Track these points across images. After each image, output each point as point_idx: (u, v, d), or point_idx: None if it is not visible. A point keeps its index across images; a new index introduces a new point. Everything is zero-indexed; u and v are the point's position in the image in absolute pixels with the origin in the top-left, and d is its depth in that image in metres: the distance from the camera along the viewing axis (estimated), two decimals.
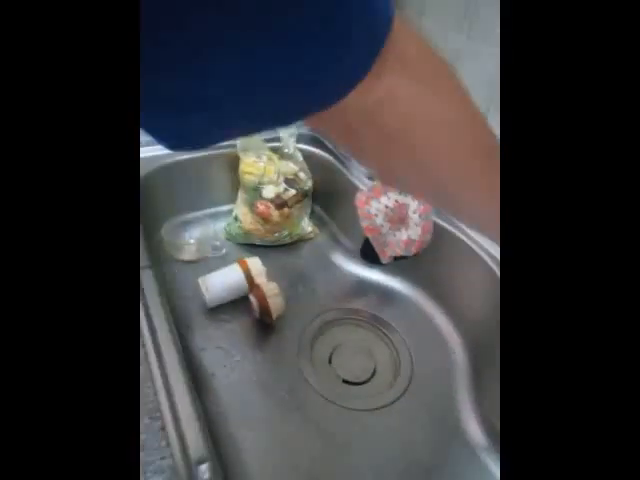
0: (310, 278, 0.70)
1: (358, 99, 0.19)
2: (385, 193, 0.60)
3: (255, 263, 0.62)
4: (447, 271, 0.62)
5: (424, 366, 0.59)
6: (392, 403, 0.55)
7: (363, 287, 0.69)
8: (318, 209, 0.77)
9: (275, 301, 0.57)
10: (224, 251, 0.69)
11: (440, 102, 0.21)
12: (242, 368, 0.55)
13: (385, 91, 0.19)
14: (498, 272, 0.54)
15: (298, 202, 0.68)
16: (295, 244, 0.73)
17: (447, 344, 0.61)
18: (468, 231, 0.58)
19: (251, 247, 0.70)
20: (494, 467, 0.49)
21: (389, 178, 0.27)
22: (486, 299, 0.56)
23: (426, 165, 0.22)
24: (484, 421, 0.52)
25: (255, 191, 0.66)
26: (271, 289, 0.57)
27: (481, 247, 0.56)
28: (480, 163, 0.23)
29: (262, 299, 0.57)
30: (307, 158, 0.70)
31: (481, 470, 0.49)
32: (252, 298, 0.58)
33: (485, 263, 0.55)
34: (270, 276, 0.63)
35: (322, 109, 0.19)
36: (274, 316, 0.58)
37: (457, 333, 0.61)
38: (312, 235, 0.73)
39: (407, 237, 0.59)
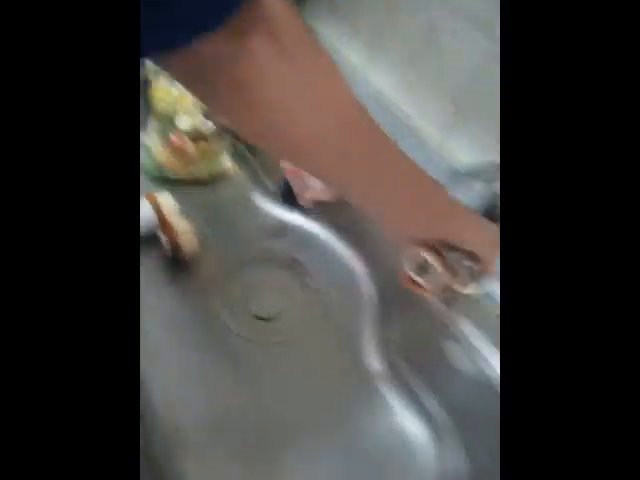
0: (228, 218, 0.68)
1: (214, 48, 0.20)
2: None
3: (166, 199, 0.58)
4: (366, 219, 0.63)
5: (336, 307, 0.62)
6: (302, 337, 0.58)
7: (282, 229, 0.69)
8: (239, 145, 0.73)
9: (187, 242, 0.55)
10: None
11: (299, 66, 0.22)
12: (154, 308, 0.54)
13: (242, 45, 0.20)
14: None
15: (217, 136, 0.63)
16: (213, 181, 0.69)
17: (360, 288, 0.64)
18: None
19: (164, 181, 0.66)
20: (391, 398, 0.54)
21: (244, 132, 0.27)
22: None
23: (279, 123, 0.23)
24: (385, 357, 0.57)
25: (169, 121, 0.60)
26: (183, 231, 0.55)
27: None
28: (338, 128, 0.24)
29: (172, 239, 0.54)
30: None
31: (379, 401, 0.54)
32: (162, 236, 0.55)
33: None
34: (184, 214, 0.60)
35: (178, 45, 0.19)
36: (187, 255, 0.56)
37: (371, 278, 0.64)
38: (231, 172, 0.70)
39: None
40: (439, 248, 0.30)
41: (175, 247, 0.55)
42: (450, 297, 0.43)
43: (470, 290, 0.33)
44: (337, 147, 0.24)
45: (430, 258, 0.31)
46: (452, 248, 0.30)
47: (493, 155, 0.36)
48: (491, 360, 0.46)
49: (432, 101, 0.57)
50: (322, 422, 0.51)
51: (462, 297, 0.41)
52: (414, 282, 0.35)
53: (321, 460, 0.48)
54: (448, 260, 0.30)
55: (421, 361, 0.54)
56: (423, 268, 0.33)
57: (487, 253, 0.31)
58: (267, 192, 0.71)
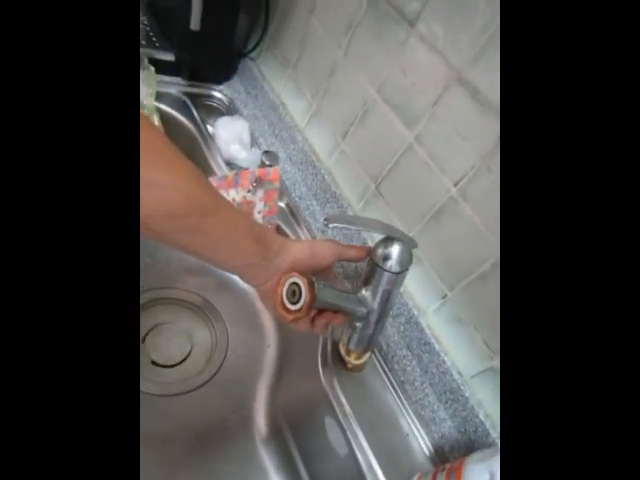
0: (147, 252, 0.67)
1: None
2: (235, 187, 0.59)
3: None
4: None
5: (237, 357, 0.62)
6: (193, 390, 0.57)
7: (202, 270, 0.68)
8: None
9: None
10: None
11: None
12: None
13: None
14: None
15: None
16: None
17: (265, 340, 0.65)
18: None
19: None
20: (267, 460, 0.55)
21: None
22: None
23: None
24: (271, 416, 0.58)
25: None
26: None
27: None
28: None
29: None
30: (167, 122, 0.64)
31: (257, 461, 0.55)
32: None
33: None
34: None
35: None
36: None
37: (276, 331, 0.65)
38: None
39: None
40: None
41: None
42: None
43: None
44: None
45: (299, 281, 0.32)
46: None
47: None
48: (364, 446, 0.47)
49: (356, 172, 0.60)
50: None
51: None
52: (286, 308, 0.35)
53: None
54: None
55: (303, 430, 0.55)
56: (294, 293, 0.33)
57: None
58: None
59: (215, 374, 0.59)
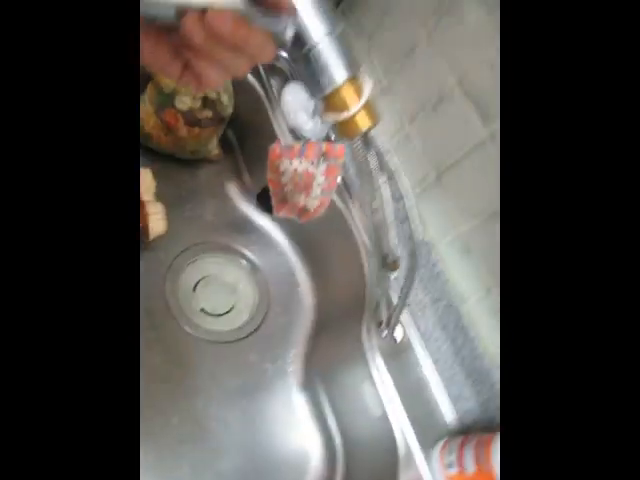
0: (199, 202, 0.68)
1: None
2: (299, 157, 0.60)
3: (146, 176, 0.57)
4: (324, 242, 0.67)
5: (278, 313, 0.66)
6: (236, 341, 0.62)
7: (247, 227, 0.71)
8: (230, 133, 0.73)
9: (156, 224, 0.55)
10: None
11: None
12: None
13: None
14: (365, 261, 0.62)
15: (212, 125, 0.63)
16: (195, 161, 0.69)
17: (303, 302, 0.69)
18: (357, 221, 0.63)
19: (145, 150, 0.65)
20: (300, 410, 0.61)
21: None
22: (348, 276, 0.64)
23: None
24: (307, 371, 0.63)
25: (167, 96, 0.59)
26: (156, 212, 0.55)
27: (360, 235, 0.63)
28: None
29: (143, 218, 0.55)
30: (236, 82, 0.64)
31: (291, 410, 0.61)
32: None
33: (358, 252, 0.62)
34: (159, 189, 0.60)
35: None
36: (151, 238, 0.56)
37: (313, 294, 0.69)
38: (215, 158, 0.70)
39: (304, 205, 0.62)
40: None
41: (142, 227, 0.55)
42: None
43: None
44: None
45: None
46: None
47: None
48: (395, 409, 0.53)
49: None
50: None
51: None
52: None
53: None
54: None
55: (337, 387, 0.61)
56: None
57: None
58: (243, 187, 0.72)
59: (257, 328, 0.64)
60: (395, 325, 0.54)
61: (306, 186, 0.62)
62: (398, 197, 0.32)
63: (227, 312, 0.64)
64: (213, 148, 0.69)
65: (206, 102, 0.61)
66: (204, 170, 0.70)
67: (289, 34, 0.24)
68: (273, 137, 0.63)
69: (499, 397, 0.52)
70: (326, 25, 0.25)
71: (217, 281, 0.65)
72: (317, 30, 0.25)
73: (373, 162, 0.31)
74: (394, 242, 0.39)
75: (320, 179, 0.61)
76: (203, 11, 0.21)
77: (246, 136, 0.73)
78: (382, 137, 0.66)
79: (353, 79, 0.27)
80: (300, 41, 0.25)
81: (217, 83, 0.25)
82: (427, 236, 0.61)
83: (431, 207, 0.61)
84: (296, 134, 0.65)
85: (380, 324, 0.57)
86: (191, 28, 0.22)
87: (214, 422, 0.55)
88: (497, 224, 0.52)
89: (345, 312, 0.63)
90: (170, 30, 0.23)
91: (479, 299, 0.55)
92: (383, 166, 0.31)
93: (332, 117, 0.28)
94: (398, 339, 0.57)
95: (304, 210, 0.62)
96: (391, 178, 0.31)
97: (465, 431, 0.52)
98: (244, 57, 0.23)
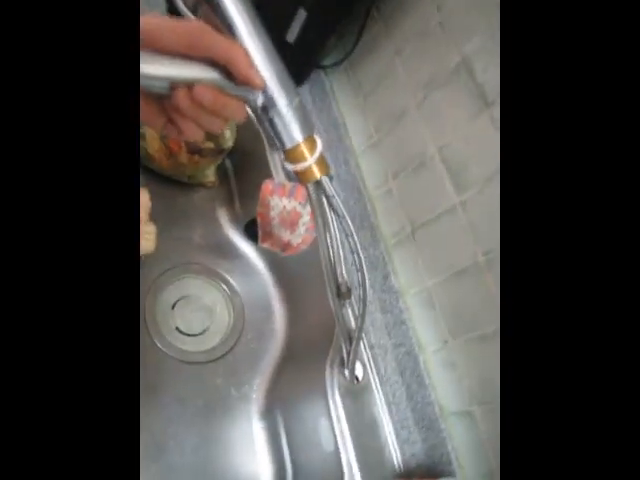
0: (190, 225, 0.72)
1: None
2: (289, 197, 0.65)
3: (143, 195, 0.61)
4: (302, 276, 0.71)
5: (248, 341, 0.69)
6: (206, 363, 0.65)
7: (232, 253, 0.75)
8: (228, 162, 0.78)
9: (147, 244, 0.59)
10: None
11: None
12: None
13: None
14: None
15: (212, 156, 0.68)
16: (191, 185, 0.73)
17: (276, 331, 0.72)
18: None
19: (146, 170, 0.69)
20: (257, 439, 0.63)
21: None
22: (321, 312, 0.68)
23: None
24: (269, 400, 0.66)
25: None
26: (148, 231, 0.59)
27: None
28: None
29: None
30: None
31: (248, 436, 0.63)
32: None
33: None
34: (153, 207, 0.63)
35: None
36: (140, 253, 0.60)
37: (288, 325, 0.73)
38: (210, 185, 0.75)
39: (288, 240, 0.66)
40: None
41: None
42: None
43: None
44: None
45: None
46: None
47: None
48: (347, 447, 0.56)
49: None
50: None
51: None
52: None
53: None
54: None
55: (295, 419, 0.64)
56: None
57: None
58: (233, 215, 0.76)
59: (227, 352, 0.67)
60: (354, 361, 0.58)
61: (292, 223, 0.67)
62: (348, 234, 0.38)
63: (200, 333, 0.67)
64: (210, 175, 0.73)
65: (209, 134, 0.66)
66: (198, 194, 0.74)
67: (259, 102, 0.31)
68: (267, 173, 0.68)
69: (444, 444, 0.56)
70: (288, 97, 0.31)
71: (196, 302, 0.68)
72: (280, 100, 0.31)
73: (325, 203, 0.37)
74: (345, 274, 0.45)
75: (306, 218, 0.65)
76: (190, 85, 0.28)
77: (242, 167, 0.78)
78: (368, 185, 0.71)
79: (309, 137, 0.33)
80: (266, 108, 0.31)
81: (195, 137, 0.30)
82: (397, 284, 0.65)
83: (403, 258, 0.66)
84: (288, 173, 0.70)
85: (343, 362, 0.61)
86: (181, 99, 0.28)
87: (172, 441, 0.57)
88: (459, 282, 0.57)
89: (313, 346, 0.67)
90: (161, 96, 0.28)
91: (436, 350, 0.60)
92: (335, 208, 0.37)
93: (292, 166, 0.34)
94: (360, 378, 0.61)
95: (288, 244, 0.67)
96: (342, 217, 0.37)
97: (408, 474, 0.56)
98: (220, 118, 0.30)
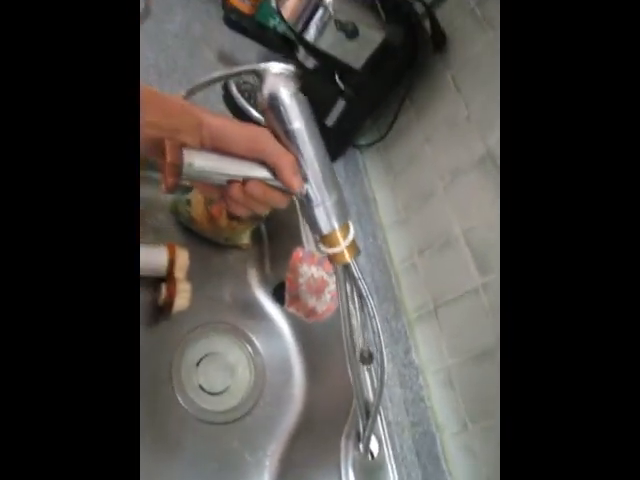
0: (222, 284, 0.76)
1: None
2: (317, 265, 0.68)
3: (182, 254, 0.66)
4: (324, 344, 0.73)
5: (266, 405, 0.70)
6: (223, 424, 0.66)
7: (259, 314, 0.77)
8: (262, 227, 0.83)
9: (181, 301, 0.63)
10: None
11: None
12: None
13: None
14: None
15: (249, 222, 0.73)
16: (226, 247, 0.78)
17: (295, 396, 0.73)
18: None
19: (187, 231, 0.74)
20: None
21: None
22: (340, 383, 0.68)
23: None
24: (282, 468, 0.65)
25: None
26: (184, 289, 0.63)
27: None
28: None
29: (171, 295, 0.62)
30: None
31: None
32: (163, 287, 0.63)
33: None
34: (190, 266, 0.68)
35: None
36: (173, 312, 0.63)
37: (307, 392, 0.73)
38: (245, 247, 0.79)
39: (313, 306, 0.69)
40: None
41: (168, 301, 0.63)
42: None
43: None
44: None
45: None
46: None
47: None
48: None
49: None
50: None
51: None
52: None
53: None
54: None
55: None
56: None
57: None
58: (263, 277, 0.80)
59: (245, 414, 0.68)
60: (369, 436, 0.57)
61: (318, 290, 0.69)
62: (371, 315, 0.42)
63: (221, 392, 0.68)
64: (245, 238, 0.78)
65: None
66: (232, 255, 0.79)
67: (302, 194, 0.36)
68: (299, 241, 0.72)
69: None
70: (329, 193, 0.36)
71: (220, 360, 0.70)
72: (323, 195, 0.36)
73: (350, 284, 0.41)
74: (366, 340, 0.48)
75: (332, 287, 0.68)
76: (244, 181, 0.33)
77: (276, 233, 0.82)
78: (394, 259, 0.74)
79: (343, 225, 0.38)
80: (310, 199, 0.36)
81: (242, 215, 0.37)
82: (418, 359, 0.66)
83: (425, 334, 0.66)
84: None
85: (359, 436, 0.60)
86: (235, 192, 0.34)
87: None
88: (480, 366, 0.57)
89: (330, 415, 0.67)
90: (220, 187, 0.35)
91: (455, 433, 0.59)
92: (359, 289, 0.40)
93: (326, 249, 0.38)
94: (374, 454, 0.60)
95: (313, 311, 0.69)
96: (365, 298, 0.41)
97: None
98: (265, 205, 0.36)
